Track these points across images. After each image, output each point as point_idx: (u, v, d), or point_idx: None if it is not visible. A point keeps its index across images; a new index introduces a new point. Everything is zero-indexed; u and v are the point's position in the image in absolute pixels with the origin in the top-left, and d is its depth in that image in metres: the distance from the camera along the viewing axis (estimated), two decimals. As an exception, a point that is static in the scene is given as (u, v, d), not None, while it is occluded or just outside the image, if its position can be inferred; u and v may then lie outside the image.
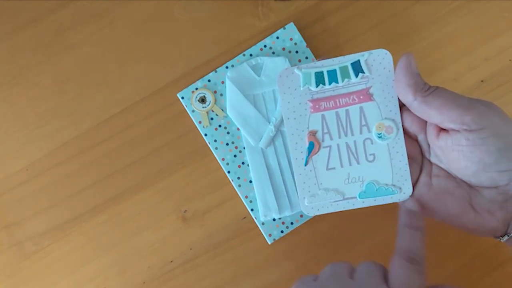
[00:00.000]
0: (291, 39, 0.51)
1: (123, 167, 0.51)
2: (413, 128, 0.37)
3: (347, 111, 0.37)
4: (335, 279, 0.32)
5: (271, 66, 0.50)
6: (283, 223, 0.50)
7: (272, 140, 0.50)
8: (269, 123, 0.50)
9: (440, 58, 0.51)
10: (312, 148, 0.38)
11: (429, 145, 0.37)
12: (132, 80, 0.51)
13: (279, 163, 0.50)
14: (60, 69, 0.51)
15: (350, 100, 0.37)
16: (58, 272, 0.51)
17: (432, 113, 0.34)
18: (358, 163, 0.38)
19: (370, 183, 0.38)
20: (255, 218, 0.50)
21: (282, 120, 0.49)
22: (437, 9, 0.52)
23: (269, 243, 0.50)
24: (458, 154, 0.34)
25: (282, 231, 0.50)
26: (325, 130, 0.38)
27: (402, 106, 0.37)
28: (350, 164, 0.38)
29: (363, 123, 0.37)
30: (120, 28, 0.52)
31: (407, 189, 0.37)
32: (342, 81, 0.37)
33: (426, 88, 0.34)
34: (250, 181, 0.50)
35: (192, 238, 0.51)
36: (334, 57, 0.37)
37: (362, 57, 0.37)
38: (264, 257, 0.50)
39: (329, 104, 0.37)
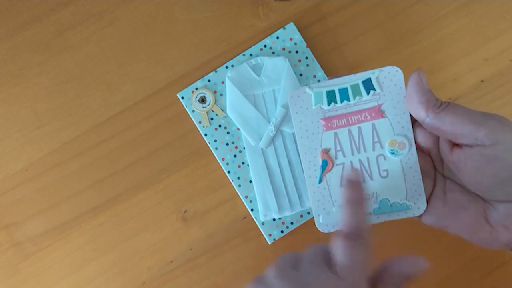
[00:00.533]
0: (291, 39, 0.51)
1: (123, 168, 0.51)
2: (426, 143, 0.37)
3: (359, 128, 0.38)
4: (280, 276, 0.33)
5: (271, 66, 0.50)
6: (283, 223, 0.50)
7: (272, 140, 0.50)
8: (269, 123, 0.50)
9: (440, 59, 0.51)
10: (325, 166, 0.38)
11: (442, 160, 0.37)
12: (132, 80, 0.51)
13: (279, 163, 0.50)
14: (60, 69, 0.51)
15: (362, 117, 0.38)
16: (58, 272, 0.50)
17: (445, 129, 0.34)
18: (371, 179, 0.38)
19: (384, 199, 0.38)
20: (255, 218, 0.50)
21: (282, 120, 0.49)
22: (437, 9, 0.52)
23: (269, 243, 0.50)
24: (472, 169, 0.34)
25: (282, 231, 0.50)
26: (338, 148, 0.38)
27: (414, 121, 0.37)
28: (364, 181, 0.38)
29: (376, 139, 0.38)
30: (120, 28, 0.52)
31: (421, 204, 0.37)
32: (354, 99, 0.37)
33: (438, 105, 0.34)
34: (250, 181, 0.50)
35: (192, 238, 0.51)
36: (344, 75, 0.38)
37: (373, 74, 0.37)
38: (264, 257, 0.50)
39: (341, 122, 0.38)
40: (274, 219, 0.50)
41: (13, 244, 0.51)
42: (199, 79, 0.51)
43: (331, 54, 0.51)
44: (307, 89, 0.37)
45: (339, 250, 0.33)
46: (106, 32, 0.52)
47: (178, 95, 0.51)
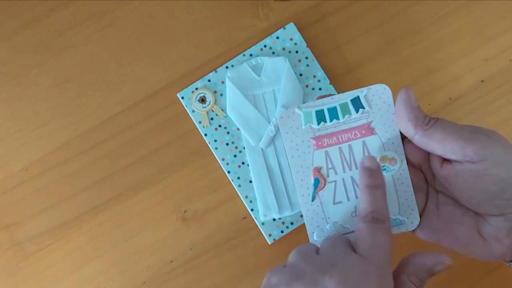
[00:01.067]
0: (291, 39, 0.51)
1: (123, 167, 0.51)
2: (416, 158, 0.37)
3: (349, 146, 0.38)
4: (303, 259, 0.33)
5: (271, 66, 0.50)
6: (283, 223, 0.50)
7: (272, 140, 0.50)
8: (269, 123, 0.50)
9: (440, 58, 0.51)
10: (317, 184, 0.38)
11: (434, 174, 0.37)
12: (132, 80, 0.51)
13: (279, 163, 0.50)
14: (60, 69, 0.52)
15: (352, 135, 0.38)
16: (58, 272, 0.51)
17: (434, 145, 0.34)
18: None
19: None
20: (255, 218, 0.50)
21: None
22: (437, 9, 0.52)
23: (269, 243, 0.50)
24: (462, 184, 0.34)
25: (282, 231, 0.50)
26: (330, 166, 0.38)
27: (404, 137, 0.37)
28: (357, 197, 0.38)
29: None
30: (121, 28, 0.52)
31: (415, 219, 0.38)
32: (343, 118, 0.38)
33: (426, 121, 0.34)
34: (250, 181, 0.50)
35: (192, 238, 0.51)
36: (333, 94, 0.38)
37: (361, 93, 0.38)
38: (264, 257, 0.50)
39: (332, 140, 0.38)
40: (274, 219, 0.50)
41: (14, 243, 0.51)
42: (199, 79, 0.51)
43: (331, 54, 0.51)
44: (297, 110, 0.38)
45: (362, 233, 0.33)
46: (106, 32, 0.52)
47: (178, 95, 0.51)
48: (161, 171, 0.51)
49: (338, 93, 0.50)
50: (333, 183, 0.38)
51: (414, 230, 0.38)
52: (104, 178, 0.51)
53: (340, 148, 0.38)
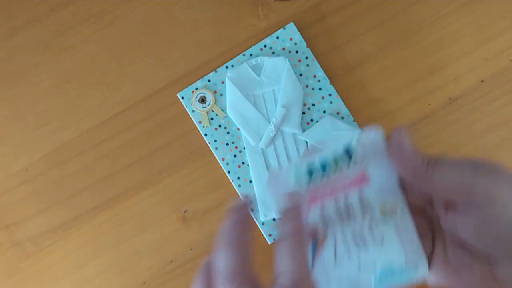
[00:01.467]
0: (291, 39, 0.51)
1: (123, 168, 0.51)
2: (418, 202, 0.35)
3: (345, 198, 0.35)
4: None
5: (271, 66, 0.50)
6: (283, 223, 0.50)
7: (272, 140, 0.50)
8: (269, 123, 0.50)
9: (440, 58, 0.51)
10: (315, 245, 0.35)
11: (439, 216, 0.35)
12: (132, 80, 0.51)
13: (279, 163, 0.50)
14: (60, 69, 0.52)
15: (347, 186, 0.35)
16: (58, 272, 0.51)
17: (436, 189, 0.32)
18: (367, 248, 0.35)
19: (383, 267, 0.35)
20: (255, 218, 0.50)
21: (282, 120, 0.49)
22: (437, 9, 0.52)
23: (269, 243, 0.50)
24: (471, 231, 0.32)
25: (282, 231, 0.50)
26: (325, 223, 0.35)
27: (404, 181, 0.34)
28: (359, 252, 0.35)
29: (365, 207, 0.35)
30: (121, 28, 0.52)
31: (422, 266, 0.34)
32: (336, 170, 0.35)
33: (425, 164, 0.32)
34: (250, 181, 0.50)
35: (192, 238, 0.51)
36: (321, 148, 0.36)
37: (352, 140, 0.35)
38: (264, 257, 0.50)
39: (326, 195, 0.35)
40: (274, 219, 0.50)
41: (14, 244, 0.51)
42: (199, 79, 0.51)
43: (331, 54, 0.51)
44: (284, 170, 0.35)
45: None
46: (106, 32, 0.52)
47: (178, 95, 0.51)
48: (161, 171, 0.51)
49: (338, 93, 0.50)
50: (332, 241, 0.35)
51: (423, 278, 0.36)
52: (104, 178, 0.51)
53: (335, 202, 0.35)
